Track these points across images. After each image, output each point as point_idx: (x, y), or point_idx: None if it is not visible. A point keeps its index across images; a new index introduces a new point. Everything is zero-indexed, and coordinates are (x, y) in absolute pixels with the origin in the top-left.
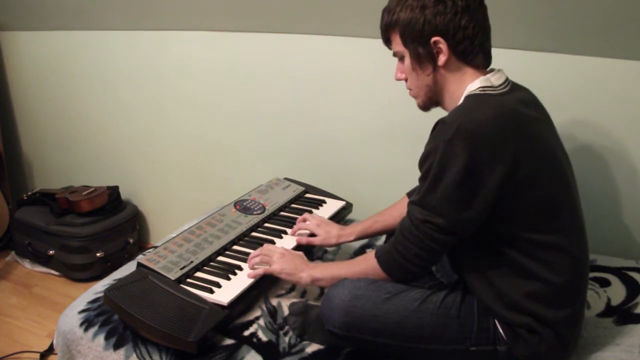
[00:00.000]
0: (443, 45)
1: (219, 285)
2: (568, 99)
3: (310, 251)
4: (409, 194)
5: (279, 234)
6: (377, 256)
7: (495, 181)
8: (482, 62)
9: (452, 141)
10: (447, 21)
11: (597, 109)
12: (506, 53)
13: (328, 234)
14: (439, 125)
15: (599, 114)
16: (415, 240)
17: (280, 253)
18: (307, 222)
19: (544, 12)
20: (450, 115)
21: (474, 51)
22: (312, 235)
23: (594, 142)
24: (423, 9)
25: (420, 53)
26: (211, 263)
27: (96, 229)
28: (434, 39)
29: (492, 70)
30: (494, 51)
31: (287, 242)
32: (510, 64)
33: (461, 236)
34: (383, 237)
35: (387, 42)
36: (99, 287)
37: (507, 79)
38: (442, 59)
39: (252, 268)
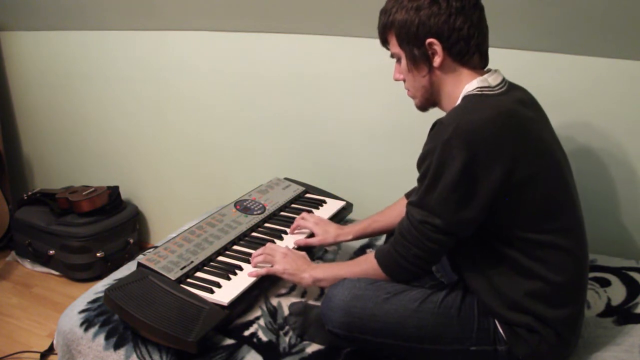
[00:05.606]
0: (438, 47)
1: (219, 285)
2: (568, 99)
3: (310, 251)
4: (407, 195)
5: (279, 234)
6: (376, 257)
7: (493, 182)
8: (478, 63)
9: (450, 142)
10: (441, 23)
11: (597, 109)
12: (506, 53)
13: (326, 233)
14: (436, 126)
15: (600, 114)
16: (414, 241)
17: (283, 253)
18: (305, 221)
19: (544, 12)
20: (448, 116)
21: (470, 52)
22: (311, 235)
23: (594, 142)
24: (418, 11)
25: (415, 54)
26: (211, 263)
27: (96, 229)
28: (428, 40)
29: (490, 70)
30: (494, 51)
31: (288, 242)
32: (511, 64)
33: (460, 236)
34: (383, 237)
35: (385, 43)
36: (99, 287)
37: (503, 79)
38: (437, 61)
39: (255, 267)
